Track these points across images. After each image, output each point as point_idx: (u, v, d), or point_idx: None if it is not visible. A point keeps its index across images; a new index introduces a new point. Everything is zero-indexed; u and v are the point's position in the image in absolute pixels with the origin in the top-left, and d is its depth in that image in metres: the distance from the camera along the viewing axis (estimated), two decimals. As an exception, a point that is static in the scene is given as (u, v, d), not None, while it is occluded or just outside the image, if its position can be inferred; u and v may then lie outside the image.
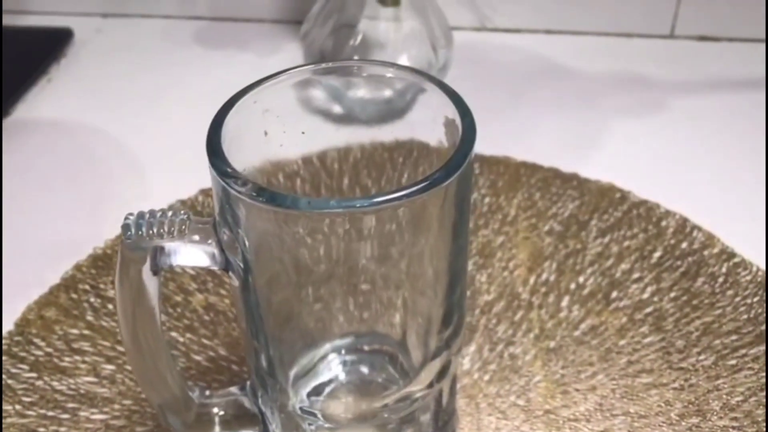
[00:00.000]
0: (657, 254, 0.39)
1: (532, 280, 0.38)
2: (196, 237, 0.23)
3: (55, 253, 0.40)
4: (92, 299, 0.38)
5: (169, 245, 0.23)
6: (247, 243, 0.23)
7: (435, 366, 0.27)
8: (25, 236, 0.42)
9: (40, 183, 0.46)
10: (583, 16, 0.57)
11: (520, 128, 0.49)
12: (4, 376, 0.34)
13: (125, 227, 0.22)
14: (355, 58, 0.46)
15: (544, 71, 0.55)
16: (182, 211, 0.23)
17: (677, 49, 0.56)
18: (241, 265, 0.23)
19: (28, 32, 0.58)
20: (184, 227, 0.22)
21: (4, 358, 0.35)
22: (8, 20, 0.59)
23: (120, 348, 0.35)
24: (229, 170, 0.21)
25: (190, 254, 0.23)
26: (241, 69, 0.55)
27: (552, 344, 0.35)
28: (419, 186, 0.21)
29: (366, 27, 0.46)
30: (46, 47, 0.56)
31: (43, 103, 0.53)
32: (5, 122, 0.51)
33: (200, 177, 0.45)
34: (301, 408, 0.27)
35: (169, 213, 0.22)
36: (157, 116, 0.51)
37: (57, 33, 0.58)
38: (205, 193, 0.44)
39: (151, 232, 0.22)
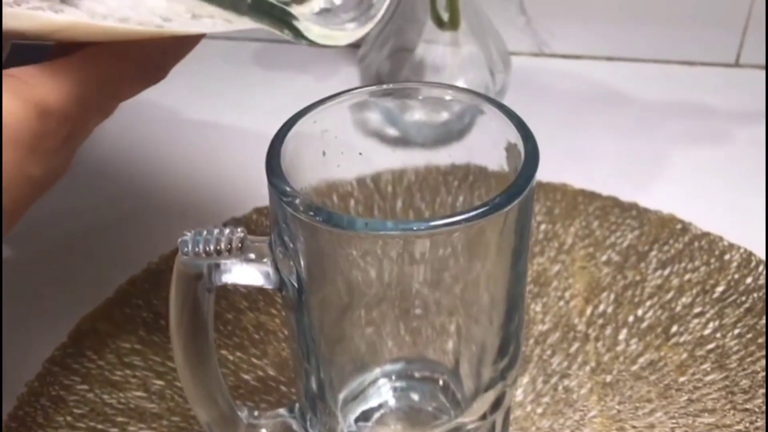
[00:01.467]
0: (720, 289, 0.38)
1: (588, 311, 0.37)
2: (252, 255, 0.23)
3: (110, 266, 0.40)
4: (145, 314, 0.38)
5: (224, 263, 0.23)
6: (302, 263, 0.23)
7: (489, 397, 0.26)
8: (82, 249, 0.43)
9: (100, 196, 0.47)
10: (645, 43, 0.56)
11: (578, 155, 0.48)
12: (57, 387, 0.34)
13: (182, 243, 0.22)
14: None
15: (604, 98, 0.54)
16: (239, 229, 0.23)
17: (742, 78, 0.55)
18: (295, 284, 0.23)
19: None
20: (240, 245, 0.22)
21: (57, 369, 0.35)
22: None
23: (170, 364, 0.35)
24: (287, 189, 0.21)
25: (245, 272, 0.23)
26: (298, 91, 0.56)
27: (608, 378, 0.34)
28: (479, 210, 0.20)
29: (423, 51, 0.46)
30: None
31: (105, 120, 0.54)
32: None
33: (254, 196, 0.45)
34: (349, 433, 0.27)
35: (226, 231, 0.22)
36: (215, 136, 0.52)
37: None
38: (259, 211, 0.44)
39: (207, 249, 0.22)
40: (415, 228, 0.21)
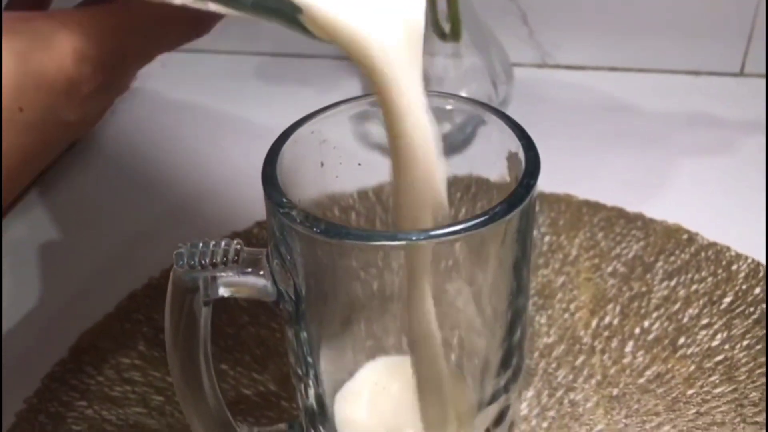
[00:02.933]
0: (727, 299, 0.37)
1: (594, 324, 0.36)
2: (249, 268, 0.22)
3: (110, 281, 0.40)
4: (145, 329, 0.37)
5: (221, 275, 0.22)
6: (299, 275, 0.22)
7: (492, 411, 0.26)
8: (81, 264, 0.42)
9: (98, 212, 0.47)
10: (649, 53, 0.55)
11: (583, 166, 0.48)
12: (55, 403, 0.34)
13: (178, 256, 0.22)
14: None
15: (608, 109, 0.53)
16: (235, 241, 0.22)
17: (747, 87, 0.54)
18: (293, 297, 0.23)
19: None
20: (236, 257, 0.22)
21: (56, 385, 0.35)
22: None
23: (170, 379, 0.35)
24: (284, 200, 0.21)
25: (242, 285, 0.23)
26: (301, 104, 0.55)
27: (615, 391, 0.33)
28: (479, 220, 0.20)
29: (425, 63, 0.46)
30: (112, 80, 0.58)
31: (107, 135, 0.54)
32: (69, 152, 0.52)
33: (256, 209, 0.45)
34: (350, 448, 0.26)
35: (222, 243, 0.22)
36: (218, 149, 0.52)
37: (123, 67, 0.59)
38: (261, 225, 0.44)
39: (203, 261, 0.22)
40: (414, 238, 0.20)
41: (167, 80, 0.60)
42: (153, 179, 0.49)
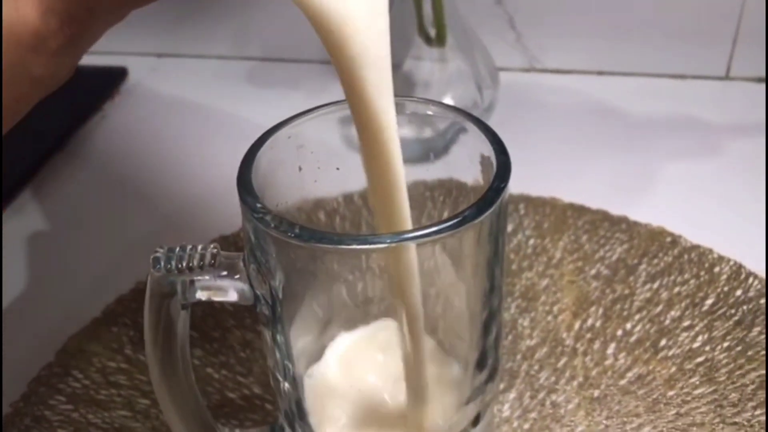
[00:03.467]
0: (709, 301, 0.37)
1: (576, 326, 0.37)
2: (225, 271, 0.23)
3: (98, 285, 0.40)
4: (131, 333, 0.38)
5: (198, 279, 0.23)
6: (276, 279, 0.22)
7: (470, 411, 0.26)
8: (71, 267, 0.43)
9: (88, 215, 0.47)
10: (636, 56, 0.56)
11: (568, 170, 0.48)
12: (41, 407, 0.34)
13: (155, 260, 0.22)
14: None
15: (594, 112, 0.54)
16: (212, 245, 0.23)
17: (733, 90, 0.55)
18: (269, 301, 0.23)
19: (85, 70, 0.60)
20: (213, 261, 0.22)
21: (42, 389, 0.35)
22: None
23: (155, 383, 0.35)
24: (258, 205, 0.21)
25: (219, 288, 0.23)
26: (291, 108, 0.55)
27: (596, 393, 0.34)
28: (449, 223, 0.20)
29: (411, 67, 0.46)
30: (102, 85, 0.58)
31: (97, 138, 0.54)
32: (60, 155, 0.52)
33: (244, 213, 0.45)
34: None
35: (199, 247, 0.22)
36: (207, 153, 0.52)
37: (112, 71, 0.59)
38: (248, 229, 0.44)
39: (179, 265, 0.22)
40: (388, 241, 0.21)
41: (157, 84, 0.60)
42: (142, 183, 0.50)
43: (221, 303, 0.38)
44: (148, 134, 0.55)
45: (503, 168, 0.22)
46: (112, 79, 0.58)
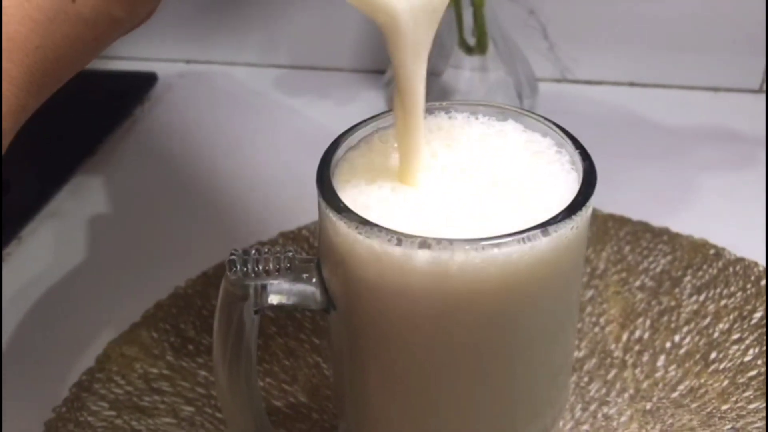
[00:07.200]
0: (758, 314, 0.37)
1: (624, 337, 0.36)
2: (301, 275, 0.22)
3: (136, 290, 0.40)
4: (172, 338, 0.37)
5: (271, 283, 0.22)
6: (350, 285, 0.22)
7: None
8: (109, 272, 0.42)
9: (123, 222, 0.47)
10: (669, 69, 0.56)
11: (605, 180, 0.47)
12: (84, 413, 0.34)
13: (231, 263, 0.22)
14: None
15: (627, 123, 0.54)
16: (287, 248, 0.22)
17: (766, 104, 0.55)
18: (344, 307, 0.22)
19: (116, 76, 0.60)
20: (288, 265, 0.22)
21: (85, 394, 0.34)
22: (98, 64, 0.61)
23: (200, 390, 0.35)
24: (341, 205, 0.21)
25: (292, 293, 0.22)
26: (319, 116, 0.56)
27: (648, 406, 0.33)
28: (533, 231, 0.20)
29: (450, 76, 0.46)
30: (132, 90, 0.58)
31: (128, 142, 0.54)
32: (93, 159, 0.52)
33: (280, 220, 0.45)
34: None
35: (275, 250, 0.22)
36: (236, 159, 0.52)
37: (142, 77, 0.59)
38: (285, 236, 0.43)
39: (256, 269, 0.21)
40: (467, 247, 0.20)
41: (186, 90, 0.60)
42: (175, 190, 0.49)
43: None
44: (178, 139, 0.54)
45: (589, 173, 0.21)
46: (143, 84, 0.58)
